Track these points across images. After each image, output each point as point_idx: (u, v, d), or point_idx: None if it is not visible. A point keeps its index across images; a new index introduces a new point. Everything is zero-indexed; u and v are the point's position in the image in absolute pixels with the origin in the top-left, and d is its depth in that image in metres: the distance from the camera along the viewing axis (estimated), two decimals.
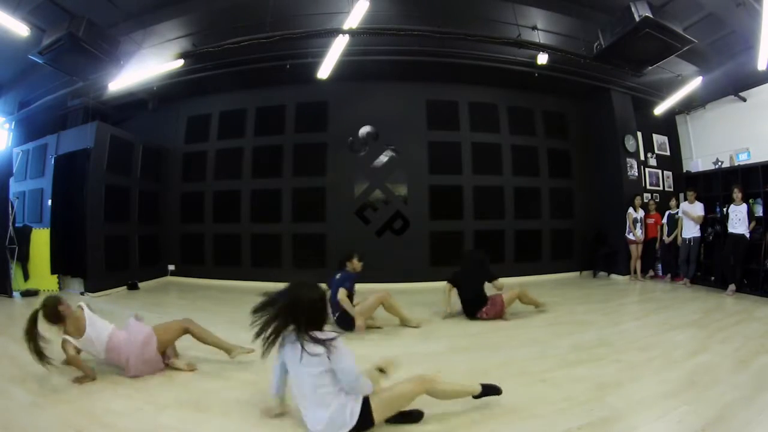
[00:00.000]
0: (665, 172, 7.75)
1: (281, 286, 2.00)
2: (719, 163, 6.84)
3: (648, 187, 7.48)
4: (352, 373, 1.83)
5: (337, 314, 3.69)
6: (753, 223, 5.42)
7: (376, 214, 6.61)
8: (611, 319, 4.15)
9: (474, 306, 4.12)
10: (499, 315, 4.07)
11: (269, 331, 1.90)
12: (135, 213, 6.43)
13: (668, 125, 7.86)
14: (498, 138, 6.97)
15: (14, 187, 6.07)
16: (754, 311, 4.31)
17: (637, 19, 3.83)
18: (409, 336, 3.66)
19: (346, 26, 4.58)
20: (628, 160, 6.97)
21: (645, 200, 7.08)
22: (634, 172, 7.02)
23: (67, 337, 2.53)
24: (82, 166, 5.74)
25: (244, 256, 6.78)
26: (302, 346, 1.82)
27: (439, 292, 4.49)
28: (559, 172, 7.24)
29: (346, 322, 3.64)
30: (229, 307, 4.89)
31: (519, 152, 7.01)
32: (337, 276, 3.83)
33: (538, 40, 5.33)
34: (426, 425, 2.04)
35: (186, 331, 2.84)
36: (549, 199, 7.09)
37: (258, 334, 1.92)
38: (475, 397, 2.14)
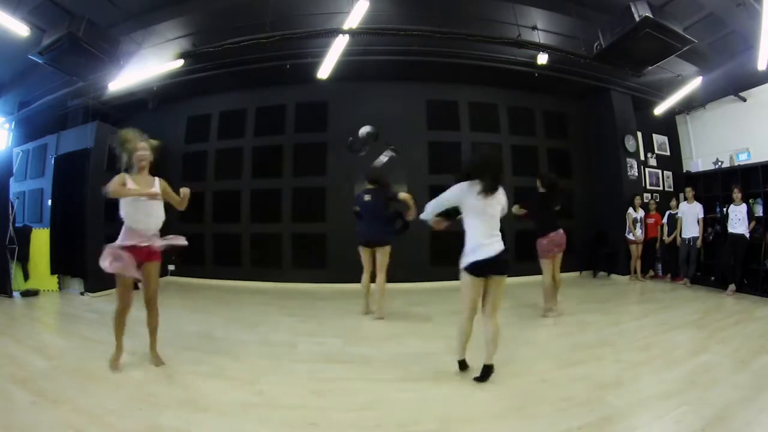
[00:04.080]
0: (665, 172, 7.75)
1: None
2: (719, 163, 6.84)
3: (648, 187, 7.47)
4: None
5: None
6: (753, 223, 5.43)
7: None
8: (611, 319, 4.15)
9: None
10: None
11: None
12: None
13: (668, 125, 7.85)
14: (498, 138, 6.97)
15: (14, 187, 6.06)
16: (754, 311, 4.31)
17: (637, 19, 3.83)
18: (409, 336, 3.66)
19: (346, 26, 4.58)
20: (628, 160, 6.97)
21: (645, 200, 7.08)
22: (634, 172, 7.02)
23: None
24: (82, 166, 5.74)
25: (244, 256, 6.78)
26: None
27: (440, 292, 4.49)
28: (559, 172, 7.21)
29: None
30: (229, 307, 4.89)
31: (519, 152, 7.00)
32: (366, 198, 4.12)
33: (538, 40, 5.32)
34: (423, 424, 2.04)
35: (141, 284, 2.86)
36: None
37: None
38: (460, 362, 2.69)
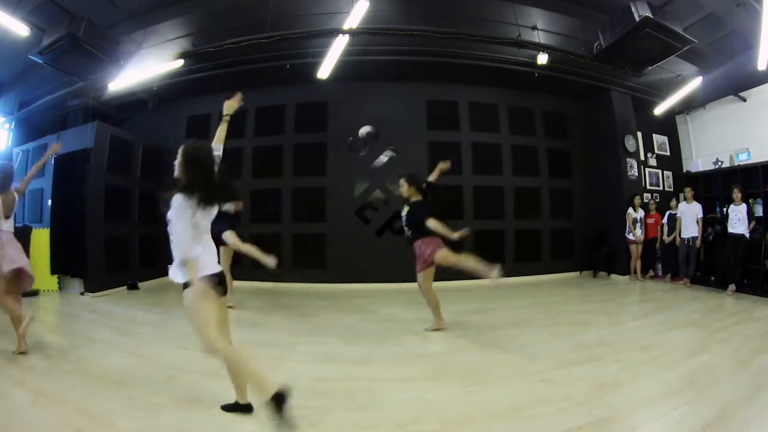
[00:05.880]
0: (665, 172, 7.75)
1: None
2: (719, 163, 6.84)
3: (648, 187, 7.48)
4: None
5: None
6: (753, 223, 5.43)
7: (376, 214, 6.61)
8: (611, 319, 4.16)
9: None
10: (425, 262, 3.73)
11: None
12: (135, 213, 6.42)
13: (668, 125, 7.85)
14: (498, 138, 6.97)
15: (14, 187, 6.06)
16: (754, 311, 4.31)
17: (637, 19, 3.84)
18: (409, 335, 3.66)
19: (346, 26, 4.58)
20: (628, 160, 6.97)
21: (645, 200, 7.08)
22: (634, 172, 7.02)
23: None
24: (82, 166, 5.74)
25: (243, 256, 6.77)
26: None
27: (440, 292, 4.48)
28: (559, 172, 7.24)
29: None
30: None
31: (519, 152, 7.01)
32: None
33: (538, 40, 5.33)
34: (423, 424, 2.04)
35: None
36: (549, 199, 7.10)
37: None
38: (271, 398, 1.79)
